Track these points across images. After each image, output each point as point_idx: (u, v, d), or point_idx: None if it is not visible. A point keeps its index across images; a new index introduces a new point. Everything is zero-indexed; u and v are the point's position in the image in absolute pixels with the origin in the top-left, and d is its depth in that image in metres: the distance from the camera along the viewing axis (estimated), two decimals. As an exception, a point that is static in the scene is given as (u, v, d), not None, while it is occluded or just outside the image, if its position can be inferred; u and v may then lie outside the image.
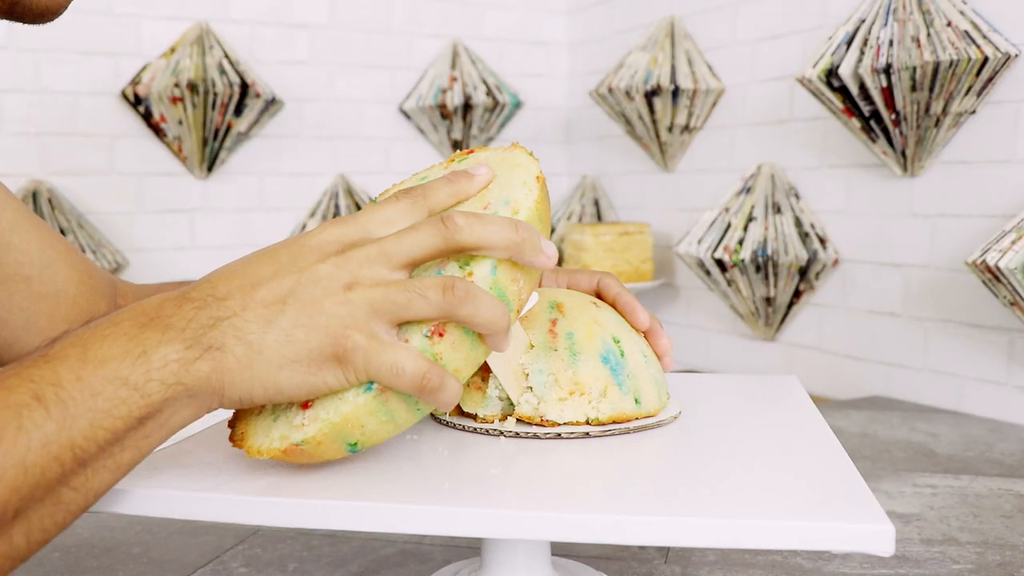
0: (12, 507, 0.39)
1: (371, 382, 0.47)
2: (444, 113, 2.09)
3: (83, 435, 0.41)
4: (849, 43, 1.40)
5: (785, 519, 0.43)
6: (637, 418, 0.60)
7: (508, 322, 0.48)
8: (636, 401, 0.59)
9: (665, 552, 0.76)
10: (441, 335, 0.47)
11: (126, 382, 0.42)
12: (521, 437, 0.57)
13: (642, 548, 0.77)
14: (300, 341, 0.45)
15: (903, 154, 1.41)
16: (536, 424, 0.58)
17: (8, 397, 0.40)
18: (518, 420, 0.58)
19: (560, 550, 0.72)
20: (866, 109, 1.40)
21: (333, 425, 0.47)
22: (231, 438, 0.51)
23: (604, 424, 0.58)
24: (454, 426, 0.59)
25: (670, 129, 1.88)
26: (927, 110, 1.34)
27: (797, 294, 1.64)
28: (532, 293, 0.55)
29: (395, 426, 0.49)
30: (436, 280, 0.46)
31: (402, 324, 0.47)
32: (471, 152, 0.59)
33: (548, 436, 0.57)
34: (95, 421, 0.41)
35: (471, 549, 0.76)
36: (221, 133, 1.90)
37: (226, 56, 1.88)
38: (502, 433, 0.57)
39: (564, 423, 0.57)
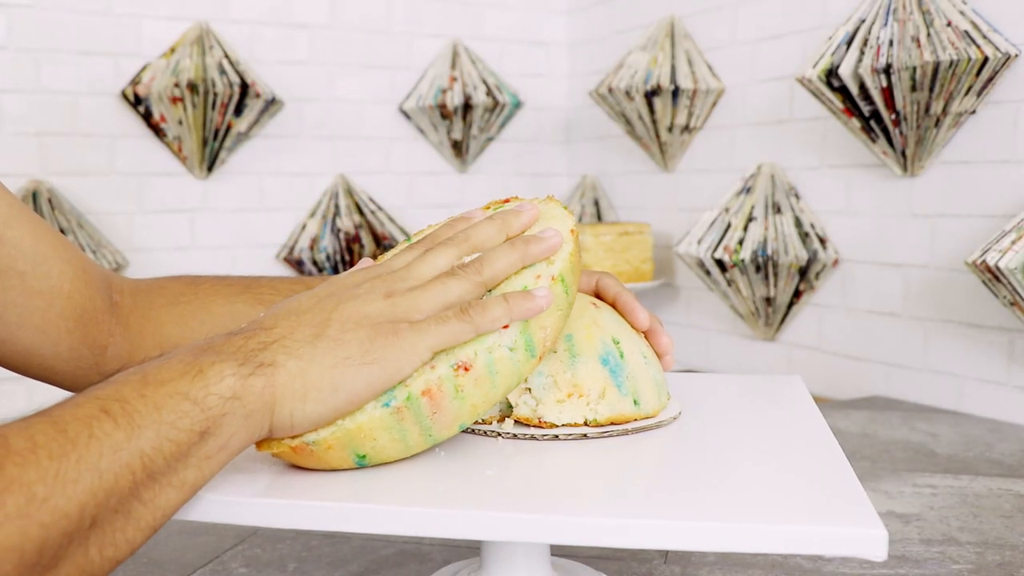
0: (89, 513, 0.40)
1: (395, 396, 0.49)
2: (444, 113, 2.09)
3: (151, 445, 0.42)
4: (849, 43, 1.40)
5: (779, 523, 0.43)
6: (636, 419, 0.60)
7: (540, 300, 0.52)
8: (635, 402, 0.59)
9: (665, 552, 0.76)
10: (467, 369, 0.50)
11: (187, 396, 0.44)
12: (519, 439, 0.57)
13: (642, 548, 0.77)
14: (349, 341, 0.48)
15: (903, 154, 1.41)
16: (534, 426, 0.58)
17: (76, 411, 0.42)
18: (516, 422, 0.58)
19: (560, 550, 0.72)
20: (866, 109, 1.40)
21: (347, 431, 0.48)
22: None
23: (602, 425, 0.58)
24: None
25: (670, 129, 1.88)
26: (927, 110, 1.34)
27: (797, 294, 1.64)
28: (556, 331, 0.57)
29: (405, 447, 0.51)
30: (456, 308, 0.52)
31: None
32: (507, 201, 0.62)
33: (546, 438, 0.57)
34: (161, 433, 0.43)
35: (471, 549, 0.76)
36: (221, 133, 1.90)
37: (226, 56, 1.88)
38: (500, 434, 0.57)
39: (562, 424, 0.57)
